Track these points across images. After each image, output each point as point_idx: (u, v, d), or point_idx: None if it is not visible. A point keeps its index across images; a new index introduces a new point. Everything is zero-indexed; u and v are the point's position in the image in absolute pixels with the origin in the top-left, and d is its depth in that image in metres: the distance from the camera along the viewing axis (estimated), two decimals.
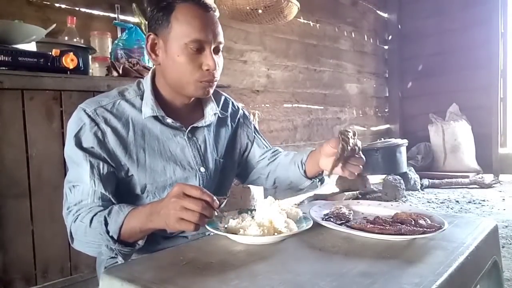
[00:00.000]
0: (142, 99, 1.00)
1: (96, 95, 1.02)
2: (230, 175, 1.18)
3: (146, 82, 1.02)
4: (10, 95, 1.40)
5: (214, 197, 0.77)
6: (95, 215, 0.86)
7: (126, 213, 0.84)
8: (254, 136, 1.24)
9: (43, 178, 1.47)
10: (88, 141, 0.92)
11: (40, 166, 1.46)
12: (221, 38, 0.97)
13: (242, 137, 1.22)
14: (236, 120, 1.20)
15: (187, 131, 1.03)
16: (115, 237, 0.83)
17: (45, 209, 1.47)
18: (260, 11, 2.30)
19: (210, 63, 0.94)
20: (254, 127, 1.26)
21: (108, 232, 0.83)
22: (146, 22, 2.19)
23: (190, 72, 0.94)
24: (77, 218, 0.88)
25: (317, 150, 1.05)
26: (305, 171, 1.10)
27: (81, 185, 0.90)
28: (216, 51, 0.97)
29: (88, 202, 0.89)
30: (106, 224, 0.83)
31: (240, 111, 1.23)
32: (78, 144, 0.91)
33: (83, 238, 0.88)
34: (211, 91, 1.01)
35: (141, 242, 0.88)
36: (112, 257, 0.89)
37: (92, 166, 0.90)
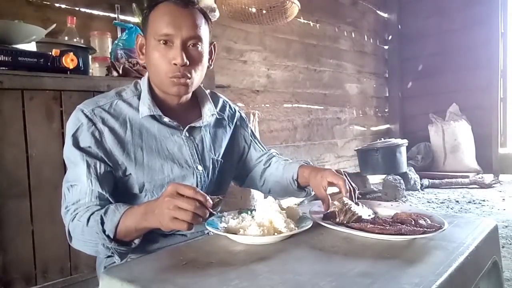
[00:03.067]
0: (139, 99, 1.01)
1: (96, 95, 1.03)
2: (227, 176, 1.18)
3: (143, 83, 1.03)
4: (10, 95, 1.39)
5: (208, 197, 0.77)
6: (92, 214, 0.86)
7: (122, 212, 0.84)
8: (251, 139, 1.26)
9: (43, 178, 1.47)
10: (86, 141, 0.93)
11: (40, 166, 1.46)
12: (194, 32, 0.95)
13: (240, 140, 1.23)
14: (234, 123, 1.21)
15: (184, 130, 1.03)
16: (111, 236, 0.84)
17: (45, 209, 1.46)
18: (264, 11, 2.31)
19: (177, 57, 0.93)
20: (251, 130, 1.27)
21: (104, 231, 0.84)
22: None
23: (160, 67, 0.95)
24: (74, 217, 0.88)
25: (308, 173, 1.08)
26: (298, 186, 1.13)
27: (79, 185, 0.90)
28: (191, 44, 0.96)
29: (85, 201, 0.90)
30: (102, 223, 0.84)
31: (237, 114, 1.24)
32: (76, 144, 0.92)
33: (81, 237, 0.88)
34: (188, 89, 1.00)
35: (137, 241, 0.89)
36: (109, 256, 0.89)
37: (88, 166, 0.91)
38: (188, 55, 0.95)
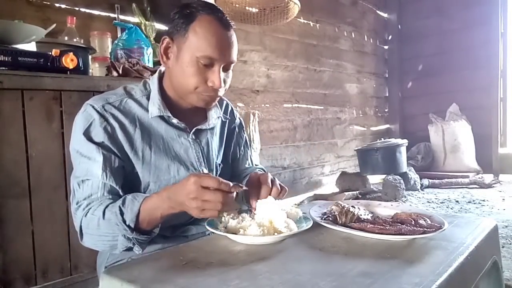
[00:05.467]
0: (148, 98, 1.01)
1: (96, 95, 1.02)
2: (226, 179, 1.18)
3: (153, 83, 1.03)
4: (10, 95, 1.39)
5: (230, 184, 0.80)
6: (106, 207, 0.86)
7: (141, 201, 0.85)
8: (243, 149, 1.26)
9: (43, 178, 1.46)
10: (99, 135, 0.92)
11: (40, 166, 1.46)
12: (234, 57, 0.98)
13: (234, 146, 1.23)
14: (232, 128, 1.22)
15: (191, 132, 1.03)
16: (132, 226, 0.84)
17: (45, 209, 1.46)
18: (267, 11, 2.31)
19: (216, 81, 0.95)
20: (245, 140, 1.27)
21: (124, 221, 0.84)
22: (146, 22, 2.20)
23: (194, 84, 0.95)
24: (88, 211, 0.88)
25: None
26: None
27: (91, 179, 0.90)
28: (226, 68, 0.98)
29: (98, 195, 0.90)
30: (121, 213, 0.84)
31: (237, 120, 1.25)
32: (89, 139, 0.92)
33: (96, 231, 0.88)
34: (213, 104, 1.04)
35: (156, 230, 0.89)
36: (126, 250, 0.89)
37: (105, 158, 0.91)
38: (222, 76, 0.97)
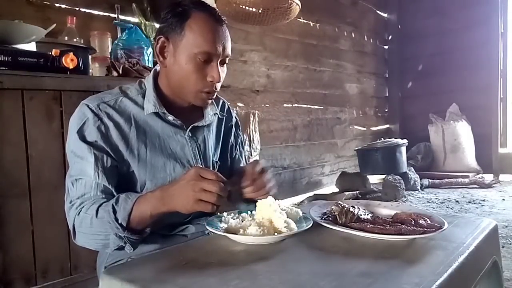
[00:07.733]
0: (143, 97, 1.01)
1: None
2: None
3: (148, 81, 1.04)
4: (10, 95, 1.39)
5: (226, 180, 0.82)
6: (100, 205, 0.87)
7: (134, 199, 0.85)
8: (237, 148, 1.26)
9: (43, 178, 1.46)
10: (92, 135, 0.93)
11: (40, 166, 1.46)
12: (229, 51, 0.99)
13: (230, 146, 1.23)
14: (229, 126, 1.22)
15: (187, 130, 1.04)
16: (124, 224, 0.84)
17: (45, 209, 1.46)
18: (270, 12, 2.31)
19: (215, 76, 0.96)
20: (241, 139, 1.28)
21: (117, 220, 0.84)
22: (146, 22, 2.19)
23: (194, 81, 0.96)
24: (81, 210, 0.89)
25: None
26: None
27: (84, 178, 0.91)
28: (222, 63, 0.99)
29: (91, 195, 0.90)
30: (114, 211, 0.84)
31: (234, 119, 1.25)
32: (82, 138, 0.92)
33: (88, 230, 0.88)
34: (210, 102, 1.05)
35: (148, 230, 0.90)
36: (118, 249, 0.89)
37: (96, 159, 0.91)
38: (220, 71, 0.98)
